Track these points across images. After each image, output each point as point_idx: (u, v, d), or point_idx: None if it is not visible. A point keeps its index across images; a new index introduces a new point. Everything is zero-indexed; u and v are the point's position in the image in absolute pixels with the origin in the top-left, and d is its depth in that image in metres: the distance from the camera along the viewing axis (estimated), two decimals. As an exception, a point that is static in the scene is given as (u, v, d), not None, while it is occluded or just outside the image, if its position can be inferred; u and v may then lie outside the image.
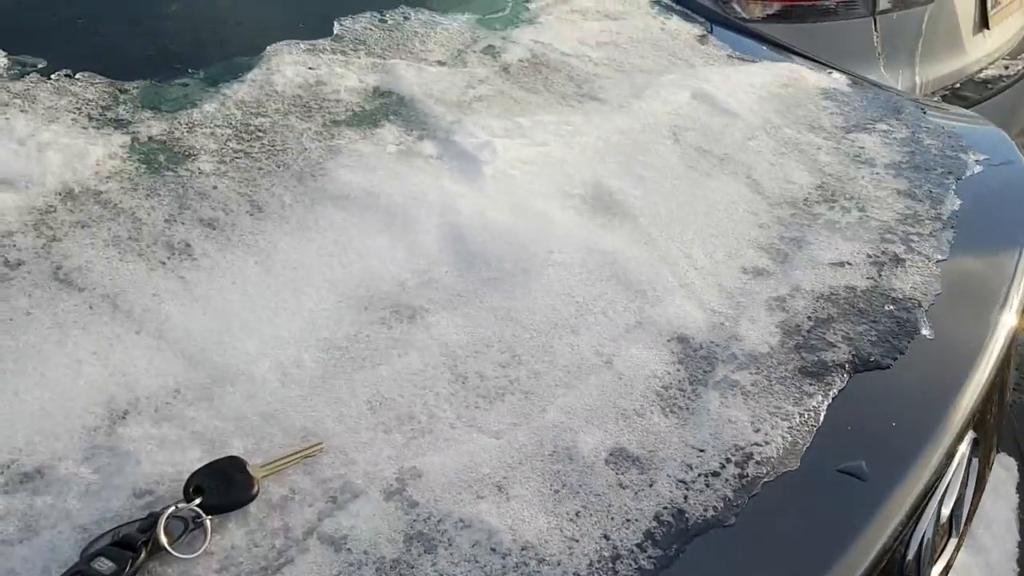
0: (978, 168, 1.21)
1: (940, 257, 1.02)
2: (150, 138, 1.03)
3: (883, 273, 0.99)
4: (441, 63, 1.29)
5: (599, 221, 1.03)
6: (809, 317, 0.92)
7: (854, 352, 0.87)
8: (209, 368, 0.79)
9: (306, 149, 1.06)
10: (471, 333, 0.86)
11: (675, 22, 1.61)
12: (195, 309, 0.84)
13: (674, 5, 1.67)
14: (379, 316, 0.86)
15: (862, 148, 1.25)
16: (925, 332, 0.90)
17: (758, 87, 1.40)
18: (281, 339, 0.83)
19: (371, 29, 1.31)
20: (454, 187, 1.03)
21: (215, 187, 0.98)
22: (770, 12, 2.79)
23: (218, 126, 1.07)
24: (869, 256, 1.02)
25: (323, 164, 1.04)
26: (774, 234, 1.05)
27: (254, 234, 0.93)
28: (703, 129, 1.25)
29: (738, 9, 2.81)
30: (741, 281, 0.96)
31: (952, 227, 1.07)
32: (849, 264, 1.00)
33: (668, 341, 0.87)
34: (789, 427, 0.79)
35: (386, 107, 1.17)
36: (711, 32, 1.62)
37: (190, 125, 1.06)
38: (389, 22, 1.34)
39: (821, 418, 0.80)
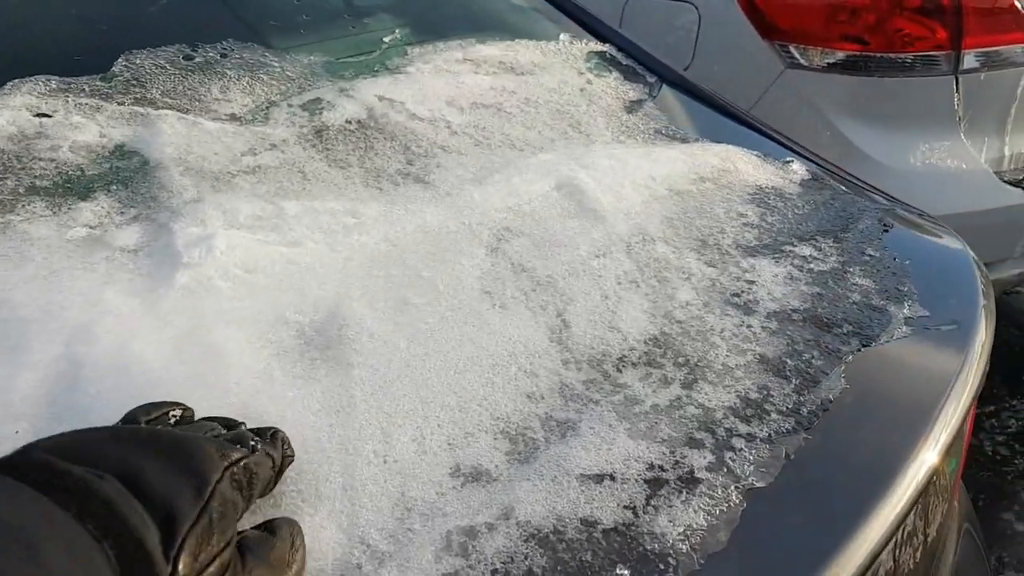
0: (902, 332, 0.87)
1: (757, 483, 0.69)
2: None
3: (652, 502, 0.67)
4: (234, 118, 1.03)
5: (296, 370, 0.74)
6: (495, 571, 0.61)
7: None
8: None
9: (-39, 225, 0.82)
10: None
11: (607, 81, 1.29)
12: None
13: (620, 59, 1.36)
14: None
15: (751, 283, 0.92)
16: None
17: (659, 180, 1.08)
18: None
19: (165, 67, 1.06)
20: (114, 300, 0.77)
21: None
22: (832, 61, 2.42)
23: None
24: (650, 467, 0.70)
25: (-36, 249, 0.79)
26: (540, 412, 0.74)
27: None
28: (542, 237, 0.95)
29: (797, 56, 2.45)
30: (438, 491, 0.67)
31: (807, 430, 0.74)
32: (611, 479, 0.68)
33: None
34: None
35: (115, 173, 0.92)
36: (654, 97, 1.30)
37: None
38: (196, 59, 1.09)
39: None
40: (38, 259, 0.80)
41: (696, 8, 2.64)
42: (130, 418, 0.62)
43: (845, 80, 2.44)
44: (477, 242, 0.92)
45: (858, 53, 2.41)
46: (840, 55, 2.43)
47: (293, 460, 0.64)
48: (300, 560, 0.57)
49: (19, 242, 0.81)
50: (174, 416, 0.63)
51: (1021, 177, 2.46)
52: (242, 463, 0.56)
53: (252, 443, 0.59)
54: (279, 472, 0.62)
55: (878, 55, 2.40)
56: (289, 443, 0.63)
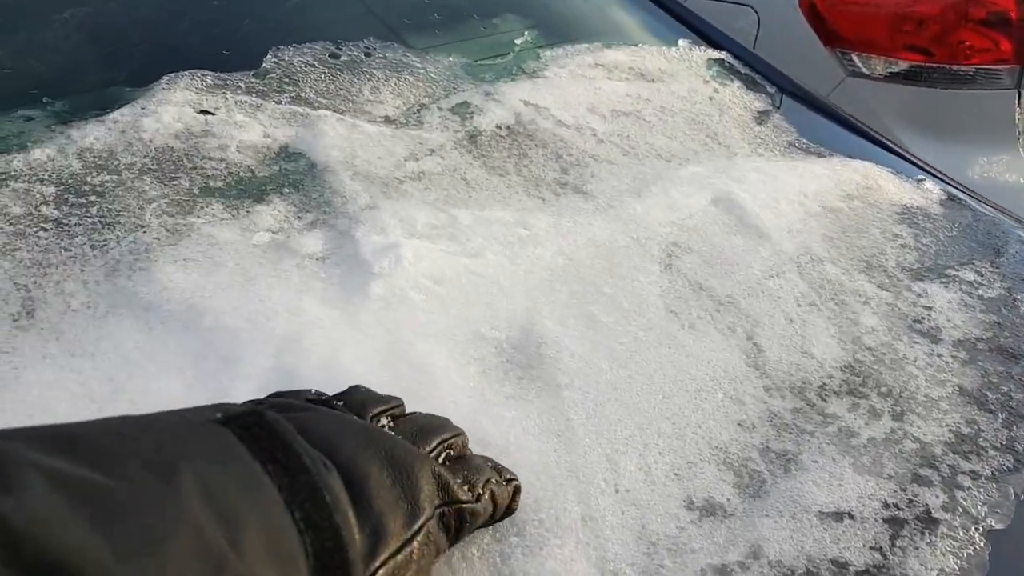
0: (1090, 365, 0.85)
1: (996, 525, 0.67)
2: (-63, 189, 0.78)
3: (898, 544, 0.65)
4: (388, 120, 1.00)
5: (505, 390, 0.72)
6: (759, 612, 0.59)
7: None
8: None
9: (143, 226, 0.79)
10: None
11: (732, 90, 1.27)
12: None
13: (739, 67, 1.34)
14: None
15: (928, 309, 0.91)
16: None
17: (811, 197, 1.06)
18: None
19: (314, 65, 1.04)
20: (316, 310, 0.75)
21: (-13, 272, 0.72)
22: (895, 70, 2.41)
23: (40, 181, 0.81)
24: (886, 506, 0.68)
25: (152, 252, 0.77)
26: (756, 442, 0.72)
27: (2, 352, 0.67)
28: (711, 254, 0.93)
29: (859, 64, 2.43)
30: (678, 524, 0.65)
31: (1028, 468, 0.73)
32: (850, 517, 0.67)
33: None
34: None
35: (285, 176, 0.89)
36: (778, 108, 1.28)
37: (2, 177, 0.81)
38: (343, 58, 1.06)
39: None
40: (230, 265, 0.77)
41: (756, 12, 2.61)
42: (359, 399, 0.60)
43: (907, 90, 2.42)
44: (649, 258, 0.90)
45: (921, 64, 2.40)
46: (903, 65, 2.41)
47: (513, 513, 0.61)
48: None
49: (207, 246, 0.78)
50: (397, 411, 0.61)
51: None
52: (459, 507, 0.54)
53: (483, 486, 0.56)
54: (491, 521, 0.59)
55: (941, 66, 2.39)
56: (518, 495, 0.61)
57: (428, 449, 0.57)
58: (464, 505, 0.54)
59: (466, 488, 0.55)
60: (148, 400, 0.65)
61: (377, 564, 0.46)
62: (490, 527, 0.61)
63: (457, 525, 0.54)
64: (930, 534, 0.66)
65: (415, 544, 0.49)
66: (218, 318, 0.72)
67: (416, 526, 0.49)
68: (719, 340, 0.81)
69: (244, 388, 0.67)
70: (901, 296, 0.92)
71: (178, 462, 0.42)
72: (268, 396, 0.60)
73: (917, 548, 0.65)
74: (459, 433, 0.61)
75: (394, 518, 0.48)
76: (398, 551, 0.48)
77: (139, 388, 0.66)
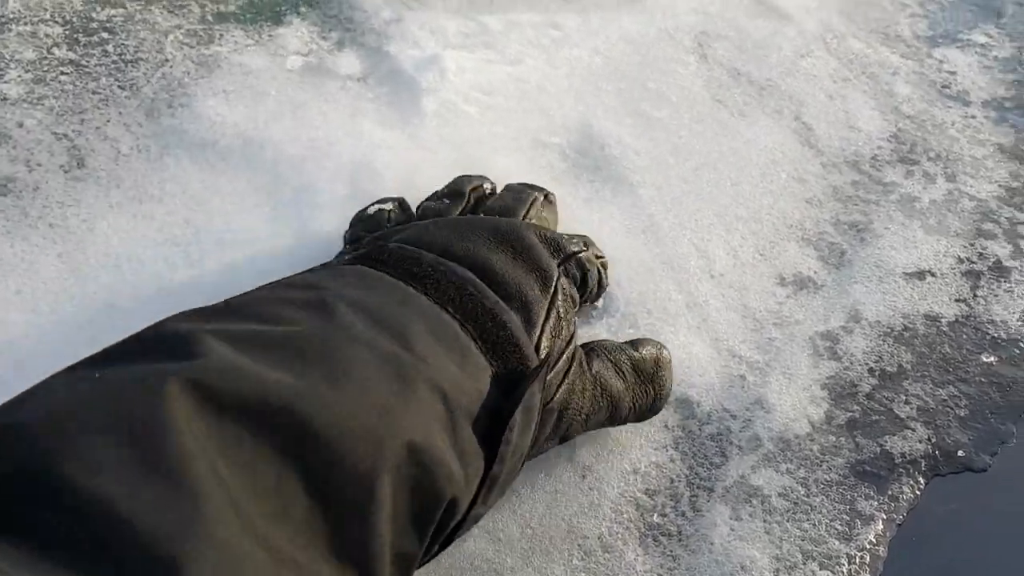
0: (1112, 113, 0.88)
1: (1062, 267, 0.71)
2: (-64, 39, 0.71)
3: (979, 293, 0.69)
4: (387, -75, 0.93)
5: (581, 194, 0.72)
6: (871, 370, 0.62)
7: (935, 439, 0.58)
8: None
9: (167, 61, 0.74)
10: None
11: None
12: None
13: None
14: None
15: (952, 74, 0.92)
16: (1042, 403, 0.61)
17: (818, -27, 1.04)
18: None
19: None
20: (377, 132, 0.72)
21: (21, 124, 0.67)
22: None
23: (43, 22, 0.74)
24: (960, 261, 0.71)
25: (187, 87, 0.72)
26: (827, 216, 0.74)
27: (64, 206, 0.63)
28: (740, 39, 0.91)
29: None
30: (776, 299, 0.67)
31: (1078, 214, 0.76)
32: (931, 275, 0.70)
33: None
34: (833, 582, 0.51)
35: (297, -6, 0.83)
36: None
37: (2, 20, 0.74)
38: None
39: (880, 567, 0.52)
40: (272, 93, 0.73)
41: None
42: (456, 187, 0.60)
43: None
44: (683, 49, 0.88)
45: None
46: None
47: (605, 289, 0.61)
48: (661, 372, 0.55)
49: (241, 75, 0.74)
50: (489, 188, 0.62)
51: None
52: (576, 257, 0.54)
53: (581, 242, 0.56)
54: (597, 291, 0.59)
55: None
56: (606, 271, 0.61)
57: (524, 214, 0.57)
58: (579, 254, 0.54)
59: (572, 240, 0.55)
60: (234, 238, 0.63)
61: (538, 332, 0.47)
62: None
63: (580, 274, 0.54)
64: (1005, 281, 0.70)
65: (558, 302, 0.49)
66: (279, 149, 0.69)
67: (552, 287, 0.50)
68: (769, 124, 0.82)
69: (326, 217, 0.65)
70: (924, 64, 0.93)
71: (327, 298, 0.41)
72: (355, 218, 0.61)
73: (996, 296, 0.69)
74: (545, 191, 0.62)
75: (531, 287, 0.49)
76: (548, 313, 0.48)
77: (221, 227, 0.64)
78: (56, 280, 0.59)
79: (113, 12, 0.76)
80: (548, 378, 0.45)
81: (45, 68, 0.71)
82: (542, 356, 0.46)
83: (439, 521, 0.38)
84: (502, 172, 0.70)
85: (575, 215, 0.69)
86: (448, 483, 0.37)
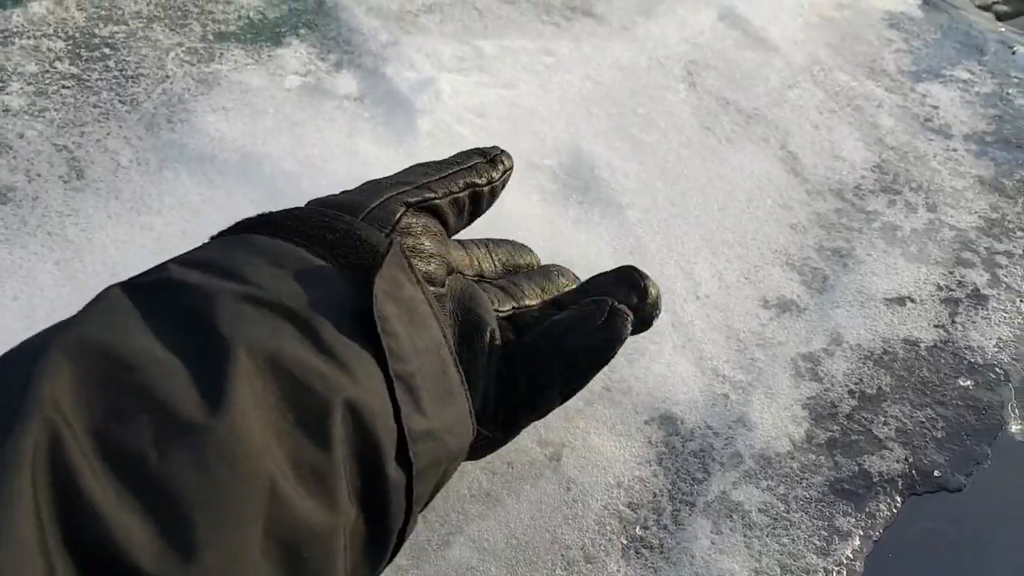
0: (1088, 149, 0.91)
1: (1038, 296, 0.73)
2: (-59, 51, 0.72)
3: (957, 320, 0.70)
4: (386, -48, 0.96)
5: (570, 214, 0.73)
6: (851, 391, 0.64)
7: (912, 459, 0.60)
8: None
9: (167, 77, 0.75)
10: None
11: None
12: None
13: None
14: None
15: (935, 108, 0.94)
16: (1014, 428, 0.63)
17: (808, 7, 1.07)
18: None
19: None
20: (372, 150, 0.73)
21: (22, 135, 0.68)
22: None
23: (46, 36, 0.76)
24: (940, 288, 0.73)
25: (187, 103, 0.73)
26: (811, 242, 0.75)
27: (63, 215, 0.64)
28: (729, 69, 0.93)
29: None
30: (760, 321, 0.68)
31: (1055, 245, 0.78)
32: (911, 301, 0.71)
33: (645, 423, 0.59)
34: (810, 596, 0.52)
35: (297, 16, 0.85)
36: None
37: (5, 34, 0.75)
38: None
39: (859, 581, 0.54)
40: (271, 111, 0.74)
41: None
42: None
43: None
44: (672, 77, 0.90)
45: None
46: None
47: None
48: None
49: (240, 93, 0.75)
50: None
51: None
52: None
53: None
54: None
55: None
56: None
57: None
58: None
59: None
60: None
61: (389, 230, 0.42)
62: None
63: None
64: (982, 309, 0.71)
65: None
66: (276, 164, 0.70)
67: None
68: (756, 151, 0.83)
69: (321, 231, 0.66)
70: (908, 97, 0.95)
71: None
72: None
73: (974, 322, 0.70)
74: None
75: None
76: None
77: (216, 240, 0.65)
78: (53, 287, 0.60)
79: (115, 28, 0.78)
80: (415, 268, 0.41)
81: (47, 81, 0.72)
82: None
83: (364, 435, 0.34)
84: (494, 192, 0.72)
85: (564, 236, 0.71)
86: (322, 385, 0.33)
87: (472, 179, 0.50)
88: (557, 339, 0.45)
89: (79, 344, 0.30)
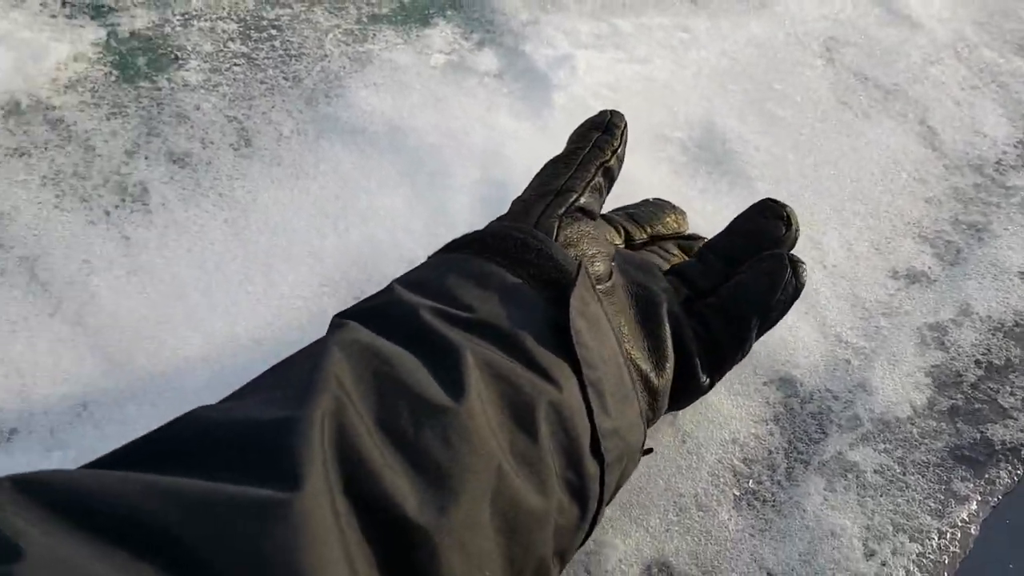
0: None
1: None
2: (132, 33, 0.81)
3: (1102, 296, 0.68)
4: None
5: (698, 184, 0.75)
6: (978, 362, 0.63)
7: (1041, 430, 0.59)
8: (130, 374, 0.59)
9: (326, 56, 0.82)
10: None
11: None
12: (131, 285, 0.64)
13: None
14: (368, 315, 0.64)
15: (1092, 84, 0.91)
16: None
17: (955, -17, 1.04)
18: (234, 336, 0.62)
19: None
20: (509, 123, 0.78)
21: (198, 107, 0.76)
22: None
23: (221, 19, 0.84)
24: (1083, 264, 0.71)
25: (343, 80, 0.80)
26: (946, 216, 0.75)
27: (232, 179, 0.71)
28: (869, 45, 0.93)
29: None
30: (887, 291, 0.68)
31: None
32: (1051, 276, 0.70)
33: (763, 384, 0.61)
34: (919, 554, 0.53)
35: (444, -1, 0.90)
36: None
37: (186, 16, 0.83)
38: None
39: (971, 543, 0.54)
40: (417, 87, 0.80)
41: None
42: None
43: None
44: (811, 53, 0.91)
45: None
46: None
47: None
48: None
49: (390, 71, 0.81)
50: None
51: None
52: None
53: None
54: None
55: None
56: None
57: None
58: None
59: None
60: (376, 214, 0.70)
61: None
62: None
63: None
64: None
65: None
66: (421, 137, 0.75)
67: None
68: (893, 126, 0.83)
69: (459, 198, 0.71)
70: (1062, 73, 0.92)
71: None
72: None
73: (1119, 299, 0.68)
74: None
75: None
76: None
77: (365, 205, 0.71)
78: (222, 242, 0.67)
79: (281, 12, 0.85)
80: (593, 277, 0.47)
81: (221, 59, 0.80)
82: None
83: (567, 432, 0.41)
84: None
85: (691, 205, 0.73)
86: (531, 388, 0.40)
87: (600, 159, 0.56)
88: (752, 303, 0.51)
89: (353, 343, 0.38)
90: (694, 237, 0.63)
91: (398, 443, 0.35)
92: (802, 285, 0.52)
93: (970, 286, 0.68)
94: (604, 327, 0.46)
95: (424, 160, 0.74)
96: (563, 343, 0.43)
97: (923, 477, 0.56)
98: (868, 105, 0.85)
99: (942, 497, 0.55)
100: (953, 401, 0.60)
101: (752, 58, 0.89)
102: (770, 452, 0.58)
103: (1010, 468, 0.57)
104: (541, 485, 0.39)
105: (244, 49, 0.81)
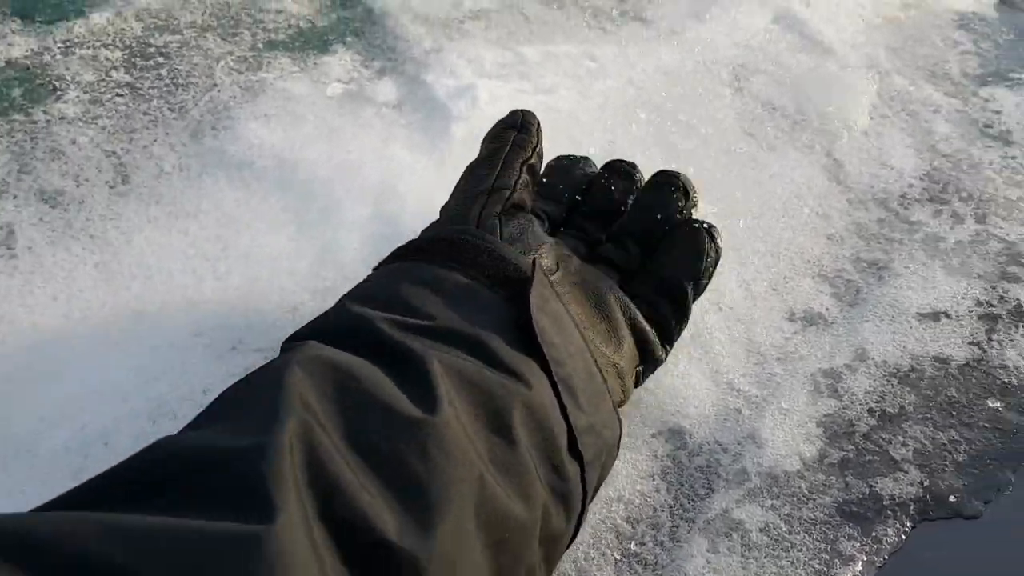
0: None
1: (1088, 315, 0.70)
2: (8, 62, 0.77)
3: (994, 337, 0.68)
4: (437, -42, 0.97)
5: (598, 220, 0.73)
6: (871, 410, 0.62)
7: (928, 483, 0.58)
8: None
9: (215, 86, 0.79)
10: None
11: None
12: (-11, 337, 0.60)
13: None
14: (243, 368, 0.61)
15: (997, 113, 0.90)
16: (1046, 453, 0.60)
17: (869, 8, 1.04)
18: (99, 391, 0.59)
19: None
20: (405, 156, 0.75)
21: (74, 142, 0.72)
22: None
23: (105, 46, 0.80)
24: (979, 304, 0.70)
25: (232, 111, 0.76)
26: (847, 253, 0.74)
27: (105, 219, 0.68)
28: (780, 73, 0.92)
29: None
30: (784, 334, 0.67)
31: (1113, 261, 0.74)
32: (947, 316, 0.69)
33: (652, 436, 0.60)
34: (805, 619, 0.52)
35: (345, 24, 0.87)
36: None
37: (67, 44, 0.80)
38: None
39: (860, 607, 0.53)
40: (311, 118, 0.77)
41: None
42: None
43: None
44: (719, 82, 0.89)
45: None
46: None
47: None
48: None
49: (283, 101, 0.78)
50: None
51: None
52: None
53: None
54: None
55: None
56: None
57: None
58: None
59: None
60: (259, 253, 0.67)
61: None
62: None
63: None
64: (1023, 326, 0.69)
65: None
66: (311, 170, 0.72)
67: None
68: (799, 158, 0.82)
69: (349, 237, 0.69)
70: (969, 102, 0.92)
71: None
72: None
73: (1012, 340, 0.68)
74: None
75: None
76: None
77: (247, 244, 0.68)
78: (91, 288, 0.63)
79: (170, 38, 0.82)
80: (551, 278, 0.49)
81: (102, 90, 0.76)
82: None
83: (543, 433, 0.40)
84: (521, 199, 0.72)
85: (589, 244, 0.71)
86: (502, 391, 0.39)
87: (522, 157, 0.57)
88: (684, 274, 0.56)
89: (314, 359, 0.36)
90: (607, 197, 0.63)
91: (372, 461, 0.33)
92: (720, 249, 0.57)
93: (867, 329, 0.67)
94: (566, 322, 0.46)
95: (313, 195, 0.71)
96: (528, 342, 0.43)
97: (809, 536, 0.55)
98: (775, 136, 0.84)
99: (827, 557, 0.54)
100: (844, 453, 0.59)
101: (659, 87, 0.87)
102: (655, 510, 0.56)
103: (898, 525, 0.56)
104: (524, 492, 0.38)
105: (128, 78, 0.78)
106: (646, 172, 0.75)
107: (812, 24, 0.98)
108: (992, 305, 0.70)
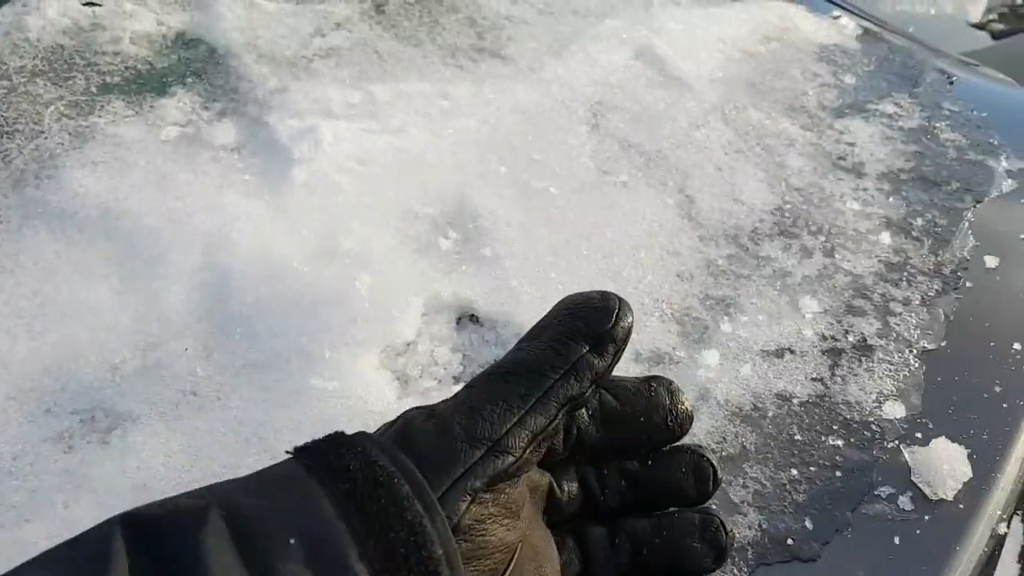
0: (1008, 184, 0.88)
1: (928, 346, 0.70)
2: None
3: (837, 372, 0.67)
4: (290, -4, 0.95)
5: (443, 265, 0.71)
6: (711, 452, 0.61)
7: (765, 525, 0.57)
8: None
9: (42, 132, 0.75)
10: (186, 458, 0.56)
11: (643, -60, 1.23)
12: None
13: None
14: (57, 433, 0.57)
15: (851, 145, 0.91)
16: (880, 491, 0.60)
17: (730, 43, 1.05)
18: None
19: (203, -56, 0.97)
20: (240, 203, 0.72)
21: None
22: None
23: (-80, 92, 0.75)
24: (824, 339, 0.70)
25: (58, 158, 0.73)
26: (696, 291, 0.73)
27: (-94, 278, 0.63)
28: (637, 110, 0.91)
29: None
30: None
31: (956, 289, 0.75)
32: (791, 352, 0.68)
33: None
34: None
35: (186, 65, 0.84)
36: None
37: None
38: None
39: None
40: (141, 164, 0.73)
41: None
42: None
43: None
44: (576, 119, 0.89)
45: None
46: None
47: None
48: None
49: (112, 147, 0.74)
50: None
51: None
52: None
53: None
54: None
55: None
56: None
57: None
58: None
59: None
60: (78, 310, 0.63)
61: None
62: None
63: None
64: (867, 360, 0.68)
65: None
66: (137, 220, 0.69)
67: None
68: (652, 195, 0.81)
69: (175, 289, 0.65)
70: (824, 135, 0.93)
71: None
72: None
73: (855, 375, 0.67)
74: None
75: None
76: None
77: (67, 299, 0.64)
78: None
79: (-5, 83, 0.78)
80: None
81: (-86, 138, 0.72)
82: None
83: None
84: (359, 242, 0.70)
85: (434, 287, 0.69)
86: None
87: (569, 394, 0.43)
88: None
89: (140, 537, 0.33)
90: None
91: None
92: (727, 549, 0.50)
93: (711, 368, 0.66)
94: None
95: (138, 246, 0.67)
96: None
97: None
98: (629, 173, 0.83)
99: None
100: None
101: (514, 126, 0.86)
102: None
103: (735, 571, 0.54)
104: None
105: (-56, 126, 0.73)
106: (501, 213, 0.74)
107: (671, 60, 0.98)
108: (836, 339, 0.70)
